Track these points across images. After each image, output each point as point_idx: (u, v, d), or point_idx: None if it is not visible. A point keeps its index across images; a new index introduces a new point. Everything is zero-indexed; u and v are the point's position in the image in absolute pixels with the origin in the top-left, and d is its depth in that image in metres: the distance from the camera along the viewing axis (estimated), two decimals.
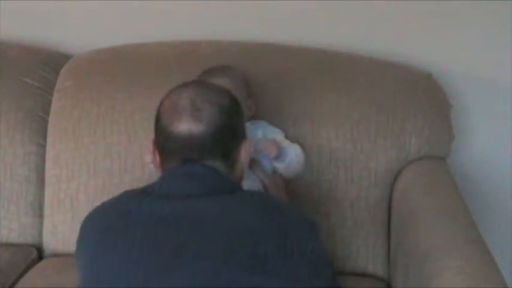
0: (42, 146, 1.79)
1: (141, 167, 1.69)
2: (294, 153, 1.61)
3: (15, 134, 1.78)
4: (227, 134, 1.21)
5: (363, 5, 1.85)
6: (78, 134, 1.75)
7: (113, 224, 1.16)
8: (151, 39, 1.88)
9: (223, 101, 1.23)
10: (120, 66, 1.82)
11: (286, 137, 1.67)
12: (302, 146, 1.68)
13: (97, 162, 1.73)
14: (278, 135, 1.66)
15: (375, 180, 1.70)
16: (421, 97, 1.77)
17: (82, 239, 1.21)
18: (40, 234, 1.78)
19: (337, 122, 1.71)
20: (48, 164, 1.77)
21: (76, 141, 1.75)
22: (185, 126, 1.18)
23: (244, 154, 1.25)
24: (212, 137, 1.19)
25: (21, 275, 1.66)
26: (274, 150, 1.56)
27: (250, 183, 1.52)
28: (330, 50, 1.85)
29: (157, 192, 1.19)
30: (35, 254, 1.75)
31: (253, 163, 1.55)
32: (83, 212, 1.69)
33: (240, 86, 1.62)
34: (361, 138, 1.70)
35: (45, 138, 1.79)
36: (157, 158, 1.24)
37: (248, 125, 1.65)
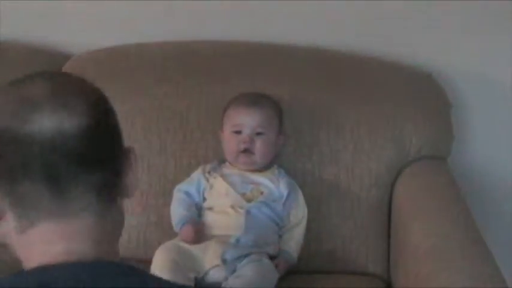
0: None
1: (142, 167, 1.69)
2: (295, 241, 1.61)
3: None
4: (105, 137, 0.83)
5: (363, 5, 1.85)
6: None
7: None
8: (151, 39, 1.88)
9: (89, 98, 0.85)
10: (120, 66, 1.82)
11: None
12: (302, 145, 1.68)
13: None
14: (300, 198, 1.64)
15: (376, 180, 1.69)
16: (421, 97, 1.77)
17: None
18: None
19: (337, 122, 1.71)
20: None
21: None
22: (49, 122, 0.79)
23: (130, 173, 0.85)
24: (84, 140, 0.80)
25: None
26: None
27: None
28: (330, 50, 1.85)
29: None
30: None
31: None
32: None
33: (271, 121, 1.62)
34: (361, 138, 1.70)
35: None
36: (3, 207, 0.81)
37: (275, 168, 1.65)
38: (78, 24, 1.95)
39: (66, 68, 1.85)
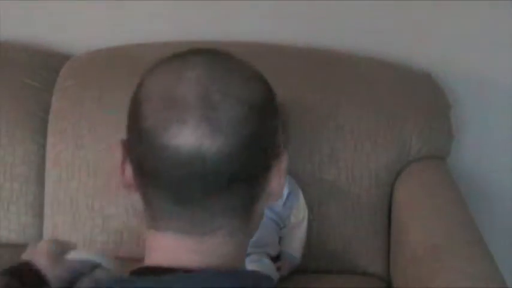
0: (42, 146, 1.78)
1: None
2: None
3: (15, 134, 1.78)
4: (259, 150, 0.73)
5: (363, 5, 1.85)
6: (78, 134, 1.75)
7: None
8: (151, 39, 1.88)
9: (257, 91, 0.74)
10: (120, 66, 1.82)
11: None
12: (302, 146, 1.68)
13: (97, 162, 1.73)
14: (301, 198, 1.65)
15: (376, 180, 1.69)
16: (421, 97, 1.77)
17: None
18: (40, 234, 1.78)
19: (337, 122, 1.71)
20: (48, 164, 1.77)
21: (76, 141, 1.75)
22: (191, 138, 0.69)
23: (276, 179, 0.76)
24: (235, 157, 0.70)
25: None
26: None
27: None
28: (330, 50, 1.85)
29: None
30: None
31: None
32: (83, 212, 1.71)
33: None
34: (361, 138, 1.70)
35: (45, 138, 1.78)
36: (130, 176, 0.76)
37: None
38: (78, 24, 1.95)
39: (66, 68, 1.85)
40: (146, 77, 0.74)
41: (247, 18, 1.90)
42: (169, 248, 0.74)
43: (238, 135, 0.70)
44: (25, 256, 1.02)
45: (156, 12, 1.91)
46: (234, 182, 0.71)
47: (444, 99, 1.81)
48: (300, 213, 1.62)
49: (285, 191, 1.60)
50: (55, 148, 1.77)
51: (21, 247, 1.76)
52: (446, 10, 1.85)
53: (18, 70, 1.84)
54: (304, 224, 1.62)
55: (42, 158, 1.78)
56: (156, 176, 0.71)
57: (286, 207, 1.61)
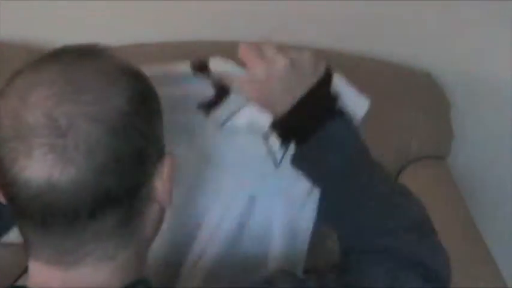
0: None
1: None
2: None
3: None
4: (123, 170, 0.65)
5: (363, 5, 1.85)
6: None
7: None
8: (151, 39, 1.88)
9: (113, 102, 0.66)
10: None
11: None
12: None
13: None
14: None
15: None
16: (421, 97, 1.77)
17: None
18: None
19: None
20: None
21: None
22: (38, 170, 0.63)
23: (160, 186, 0.71)
24: (94, 185, 0.64)
25: (21, 276, 1.66)
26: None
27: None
28: (330, 50, 1.85)
29: None
30: None
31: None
32: None
33: None
34: None
35: None
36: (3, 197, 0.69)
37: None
38: (78, 24, 1.95)
39: None
40: (0, 94, 0.67)
41: (247, 18, 1.90)
42: (41, 277, 0.70)
43: (93, 162, 0.63)
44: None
45: (156, 12, 1.91)
46: (98, 208, 0.65)
47: (444, 99, 1.81)
48: None
49: None
50: None
51: (21, 247, 1.77)
52: (446, 10, 1.85)
53: None
54: None
55: None
56: (18, 206, 0.66)
57: None
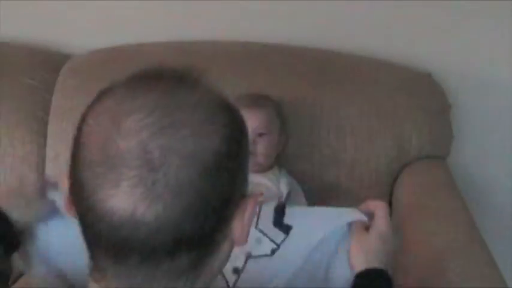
0: (42, 146, 1.78)
1: None
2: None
3: (15, 134, 1.78)
4: (208, 214, 0.64)
5: (363, 5, 1.85)
6: None
7: None
8: (151, 39, 1.88)
9: (210, 140, 0.63)
10: (120, 66, 1.82)
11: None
12: (302, 146, 1.68)
13: None
14: (301, 198, 1.63)
15: (376, 180, 1.70)
16: (421, 97, 1.77)
17: None
18: None
19: (337, 122, 1.71)
20: (48, 164, 1.77)
21: None
22: (124, 201, 0.61)
23: (240, 226, 0.69)
24: (177, 226, 0.62)
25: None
26: None
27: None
28: (330, 50, 1.85)
29: None
30: None
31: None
32: None
33: (273, 120, 1.61)
34: (361, 138, 1.70)
35: (45, 138, 1.78)
36: (74, 211, 0.67)
37: (276, 168, 1.65)
38: (78, 24, 1.95)
39: (66, 68, 1.85)
40: (87, 116, 0.66)
41: (247, 18, 1.90)
42: None
43: (181, 202, 0.61)
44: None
45: (156, 12, 1.91)
46: (176, 251, 0.64)
47: (444, 99, 1.81)
48: None
49: (285, 191, 1.60)
50: (55, 148, 1.77)
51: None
52: (446, 10, 1.85)
53: (18, 70, 1.84)
54: None
55: (42, 158, 1.78)
56: (93, 234, 0.64)
57: None
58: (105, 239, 0.63)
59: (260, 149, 1.59)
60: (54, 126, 1.78)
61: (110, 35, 1.92)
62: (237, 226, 0.68)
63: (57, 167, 1.75)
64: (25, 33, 1.95)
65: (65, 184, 0.68)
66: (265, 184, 1.61)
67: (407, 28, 1.89)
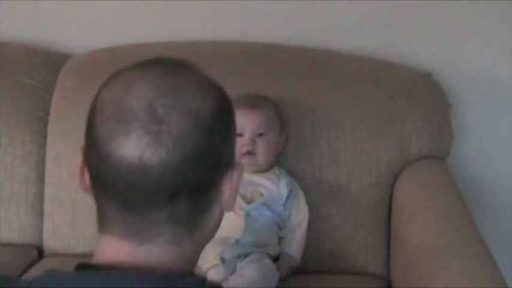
0: (42, 146, 1.78)
1: None
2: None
3: (15, 134, 1.78)
4: (204, 164, 0.75)
5: (363, 5, 1.85)
6: (78, 134, 1.74)
7: None
8: (151, 39, 1.88)
9: (205, 104, 0.75)
10: (120, 66, 1.81)
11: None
12: (302, 146, 1.68)
13: None
14: (301, 198, 1.64)
15: (376, 181, 1.69)
16: (421, 97, 1.77)
17: None
18: (40, 234, 1.78)
19: (337, 122, 1.71)
20: (48, 164, 1.77)
21: (76, 141, 1.74)
22: (133, 149, 0.72)
23: (228, 191, 0.79)
24: (178, 170, 0.73)
25: (21, 275, 1.66)
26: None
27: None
28: (330, 50, 1.85)
29: None
30: (35, 254, 1.75)
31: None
32: (83, 212, 1.71)
33: (272, 121, 1.62)
34: (361, 138, 1.70)
35: (45, 138, 1.78)
36: (87, 179, 0.79)
37: (276, 168, 1.65)
38: (78, 24, 1.95)
39: (66, 68, 1.85)
40: (103, 87, 0.78)
41: (247, 18, 1.90)
42: (109, 251, 0.76)
43: (181, 149, 0.72)
44: None
45: (156, 12, 1.91)
46: (176, 194, 0.74)
47: (444, 99, 1.81)
48: (300, 214, 1.62)
49: (285, 191, 1.60)
50: (55, 148, 1.76)
51: (21, 247, 1.77)
52: (446, 10, 1.85)
53: (18, 70, 1.84)
54: (305, 225, 1.62)
55: (42, 158, 1.78)
56: (104, 183, 0.75)
57: (287, 208, 1.60)
58: (114, 186, 0.74)
59: (260, 149, 1.59)
60: (54, 126, 1.78)
61: (110, 35, 1.92)
62: (226, 189, 0.78)
63: (57, 167, 1.75)
64: (25, 33, 1.94)
65: (78, 155, 0.79)
66: (265, 185, 1.61)
67: (407, 28, 1.89)
